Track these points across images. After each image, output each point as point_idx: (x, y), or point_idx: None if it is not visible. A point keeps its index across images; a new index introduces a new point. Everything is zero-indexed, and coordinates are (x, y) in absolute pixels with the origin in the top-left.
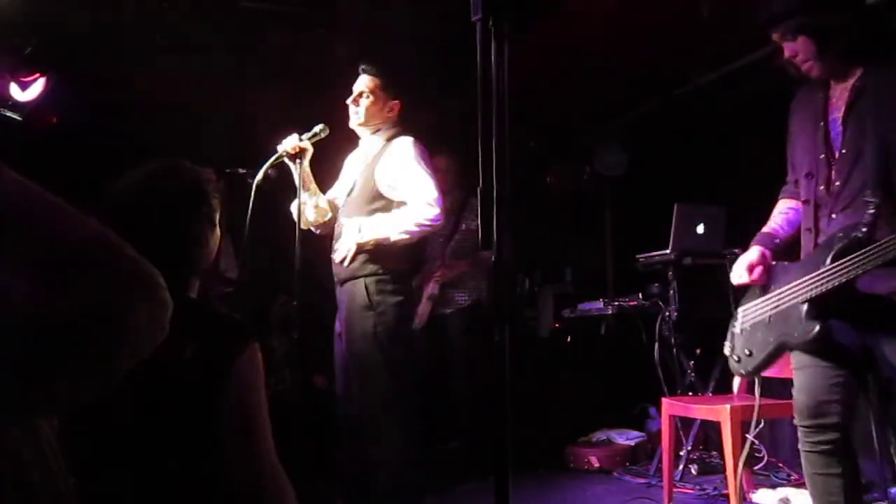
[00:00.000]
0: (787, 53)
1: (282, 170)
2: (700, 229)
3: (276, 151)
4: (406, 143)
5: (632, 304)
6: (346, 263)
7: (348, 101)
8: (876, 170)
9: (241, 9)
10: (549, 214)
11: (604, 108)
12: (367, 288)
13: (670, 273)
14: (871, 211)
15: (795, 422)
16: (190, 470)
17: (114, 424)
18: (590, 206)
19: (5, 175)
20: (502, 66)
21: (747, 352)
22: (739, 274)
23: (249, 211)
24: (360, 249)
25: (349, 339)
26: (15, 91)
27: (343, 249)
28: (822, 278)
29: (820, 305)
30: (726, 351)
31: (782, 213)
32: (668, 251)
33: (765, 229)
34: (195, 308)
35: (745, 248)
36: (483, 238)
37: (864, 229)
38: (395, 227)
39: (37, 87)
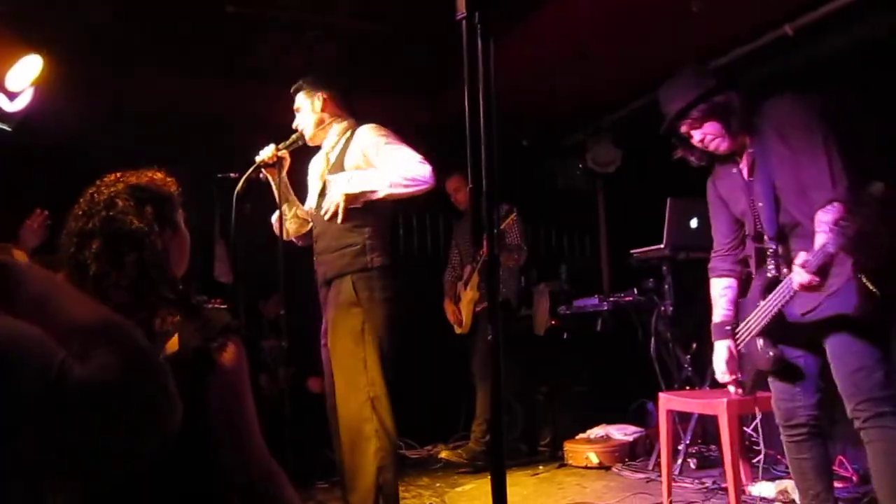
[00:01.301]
0: (697, 139)
1: (259, 181)
2: (694, 223)
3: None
4: (369, 129)
5: (627, 299)
6: (337, 219)
7: (294, 126)
8: (770, 221)
9: (227, 14)
10: (543, 212)
11: (597, 105)
12: (353, 284)
13: (665, 268)
14: (770, 256)
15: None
16: (182, 460)
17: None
18: (584, 203)
19: (34, 271)
20: (489, 63)
21: (740, 377)
22: (723, 373)
23: (233, 219)
24: (350, 202)
25: (334, 336)
26: (3, 101)
27: (331, 203)
28: (759, 315)
29: (769, 335)
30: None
31: (723, 297)
32: (662, 246)
33: (716, 319)
34: (179, 305)
35: None
36: (474, 236)
37: (772, 272)
38: (385, 180)
39: (25, 98)
